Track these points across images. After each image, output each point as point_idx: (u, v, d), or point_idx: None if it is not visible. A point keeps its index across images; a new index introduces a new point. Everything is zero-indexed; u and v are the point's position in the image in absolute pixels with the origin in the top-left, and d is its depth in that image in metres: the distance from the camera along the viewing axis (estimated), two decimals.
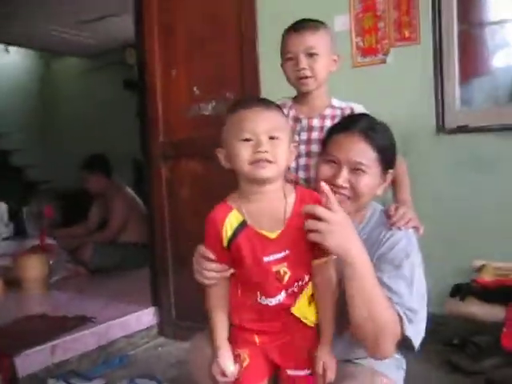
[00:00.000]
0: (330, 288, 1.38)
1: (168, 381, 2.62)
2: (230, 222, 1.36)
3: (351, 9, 2.85)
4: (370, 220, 1.55)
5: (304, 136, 1.86)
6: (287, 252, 1.34)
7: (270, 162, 1.31)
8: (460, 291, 2.05)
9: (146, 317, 3.29)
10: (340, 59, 1.91)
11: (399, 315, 1.35)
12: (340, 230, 1.25)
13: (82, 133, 7.40)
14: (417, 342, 1.39)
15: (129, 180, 5.57)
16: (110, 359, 2.92)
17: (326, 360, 1.36)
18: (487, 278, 2.19)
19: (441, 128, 2.70)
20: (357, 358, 1.54)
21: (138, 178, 5.99)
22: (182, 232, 3.18)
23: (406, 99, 2.74)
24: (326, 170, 1.50)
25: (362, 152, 1.45)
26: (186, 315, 3.22)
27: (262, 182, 1.33)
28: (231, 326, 1.45)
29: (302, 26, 1.83)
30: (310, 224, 1.26)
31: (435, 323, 2.55)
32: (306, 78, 1.81)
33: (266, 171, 1.31)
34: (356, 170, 1.45)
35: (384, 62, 2.79)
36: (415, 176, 2.73)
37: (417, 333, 1.38)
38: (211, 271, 1.40)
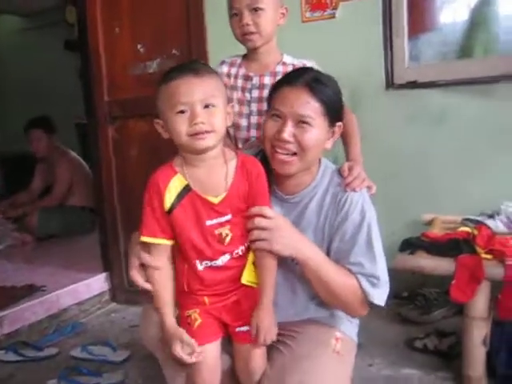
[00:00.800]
0: (269, 253, 1.41)
1: (122, 346, 2.59)
2: (175, 186, 1.36)
3: None
4: (322, 179, 1.52)
5: (255, 94, 1.81)
6: (230, 216, 1.37)
7: (207, 132, 1.30)
8: (410, 245, 2.07)
9: (97, 283, 3.23)
10: (288, 12, 1.84)
11: (361, 285, 1.42)
12: (283, 234, 1.37)
13: (22, 95, 7.06)
14: (382, 301, 1.45)
15: (73, 144, 5.39)
16: (62, 328, 2.86)
17: (261, 323, 1.39)
18: (436, 231, 2.23)
19: (390, 83, 2.71)
20: (313, 318, 1.56)
21: (82, 142, 5.82)
22: (131, 194, 3.09)
23: (356, 55, 2.71)
24: (271, 125, 1.45)
25: (307, 104, 1.40)
26: None
27: (202, 151, 1.33)
28: (180, 292, 1.44)
29: None
30: (255, 234, 1.35)
31: None
32: (251, 33, 1.75)
33: (205, 142, 1.31)
34: (301, 123, 1.41)
35: (333, 16, 2.75)
36: (364, 131, 2.71)
37: (382, 293, 1.44)
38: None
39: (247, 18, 1.73)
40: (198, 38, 2.77)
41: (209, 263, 1.39)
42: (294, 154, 1.43)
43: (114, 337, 2.75)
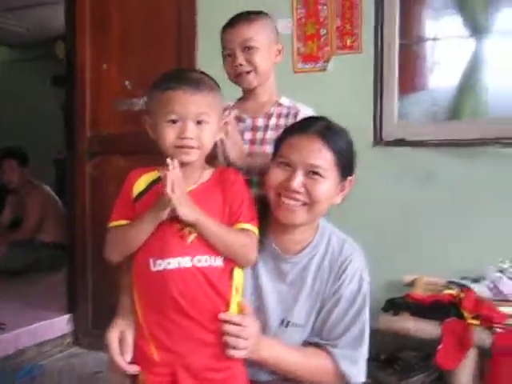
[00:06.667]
0: None
1: None
2: (146, 178, 1.35)
3: (294, 13, 2.80)
4: (321, 238, 1.46)
5: (248, 136, 1.74)
6: None
7: (194, 147, 1.29)
8: (393, 306, 2.01)
9: (60, 324, 3.09)
10: (284, 49, 1.81)
11: (338, 365, 1.39)
12: (254, 342, 1.29)
13: (2, 127, 6.96)
14: (362, 378, 1.43)
15: (50, 180, 5.29)
16: (19, 370, 2.68)
17: None
18: (419, 292, 2.17)
19: (378, 140, 2.69)
20: None
21: (59, 178, 5.72)
22: (104, 234, 2.98)
23: (345, 109, 2.66)
24: (278, 173, 1.37)
25: (319, 154, 1.33)
26: (103, 323, 2.97)
27: (184, 164, 1.30)
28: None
29: (236, 19, 1.73)
30: (232, 342, 1.26)
31: None
32: (246, 73, 1.70)
33: (190, 157, 1.31)
34: (312, 173, 1.33)
35: (324, 69, 2.75)
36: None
37: (362, 369, 1.43)
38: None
39: (240, 57, 1.68)
40: None
41: (162, 264, 1.26)
42: (304, 204, 1.35)
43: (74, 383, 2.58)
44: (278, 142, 1.43)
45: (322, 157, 1.33)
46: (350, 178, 1.43)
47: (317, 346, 1.43)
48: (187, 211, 1.22)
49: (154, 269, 1.26)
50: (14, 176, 4.44)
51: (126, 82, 2.95)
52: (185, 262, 1.25)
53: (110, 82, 3.02)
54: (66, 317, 3.13)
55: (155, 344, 1.27)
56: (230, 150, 1.62)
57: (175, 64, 2.80)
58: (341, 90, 2.71)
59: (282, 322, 1.43)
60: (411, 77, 2.80)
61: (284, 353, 1.38)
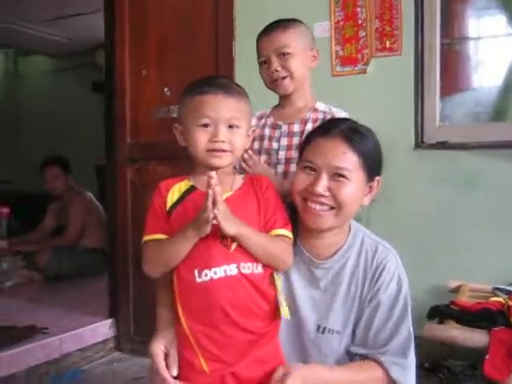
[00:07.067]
0: None
1: None
2: (179, 188, 1.35)
3: (332, 16, 2.76)
4: (354, 241, 1.43)
5: (284, 142, 1.74)
6: None
7: (226, 151, 1.30)
8: (438, 313, 1.95)
9: (103, 329, 3.11)
10: (319, 54, 1.80)
11: (389, 374, 1.34)
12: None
13: (44, 134, 7.11)
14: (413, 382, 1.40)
15: (92, 186, 5.38)
16: (62, 374, 2.72)
17: None
18: (464, 299, 2.10)
19: (420, 143, 2.63)
20: None
21: (101, 184, 5.80)
22: None
23: (385, 112, 2.65)
24: (303, 178, 1.36)
25: (343, 155, 1.31)
26: (145, 329, 3.03)
27: (215, 168, 1.29)
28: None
29: (271, 26, 1.76)
30: None
31: None
32: (282, 79, 1.71)
33: (222, 160, 1.31)
34: (337, 175, 1.32)
35: (364, 72, 2.70)
36: (392, 191, 2.64)
37: (412, 373, 1.41)
38: None
39: (275, 63, 1.70)
40: None
41: (209, 274, 1.24)
42: (331, 208, 1.33)
43: None
44: (303, 146, 1.42)
45: (347, 159, 1.31)
46: (377, 178, 1.40)
47: (363, 357, 1.39)
48: (229, 225, 1.21)
49: (199, 280, 1.25)
50: (58, 183, 4.51)
51: (165, 89, 2.97)
52: (230, 269, 1.25)
53: (149, 89, 3.05)
54: (108, 322, 3.15)
55: (204, 355, 1.27)
56: None
57: (213, 70, 2.81)
58: (381, 92, 2.66)
59: (318, 328, 1.40)
60: (454, 77, 2.73)
61: (330, 375, 1.33)
